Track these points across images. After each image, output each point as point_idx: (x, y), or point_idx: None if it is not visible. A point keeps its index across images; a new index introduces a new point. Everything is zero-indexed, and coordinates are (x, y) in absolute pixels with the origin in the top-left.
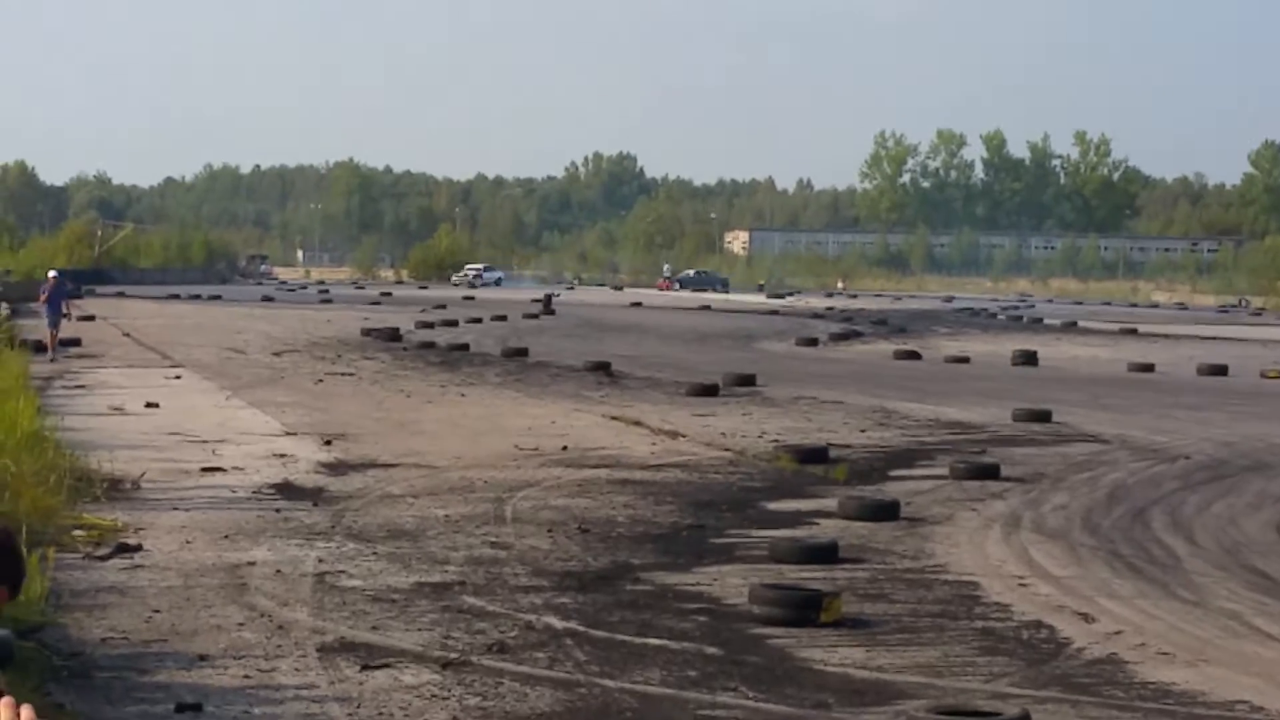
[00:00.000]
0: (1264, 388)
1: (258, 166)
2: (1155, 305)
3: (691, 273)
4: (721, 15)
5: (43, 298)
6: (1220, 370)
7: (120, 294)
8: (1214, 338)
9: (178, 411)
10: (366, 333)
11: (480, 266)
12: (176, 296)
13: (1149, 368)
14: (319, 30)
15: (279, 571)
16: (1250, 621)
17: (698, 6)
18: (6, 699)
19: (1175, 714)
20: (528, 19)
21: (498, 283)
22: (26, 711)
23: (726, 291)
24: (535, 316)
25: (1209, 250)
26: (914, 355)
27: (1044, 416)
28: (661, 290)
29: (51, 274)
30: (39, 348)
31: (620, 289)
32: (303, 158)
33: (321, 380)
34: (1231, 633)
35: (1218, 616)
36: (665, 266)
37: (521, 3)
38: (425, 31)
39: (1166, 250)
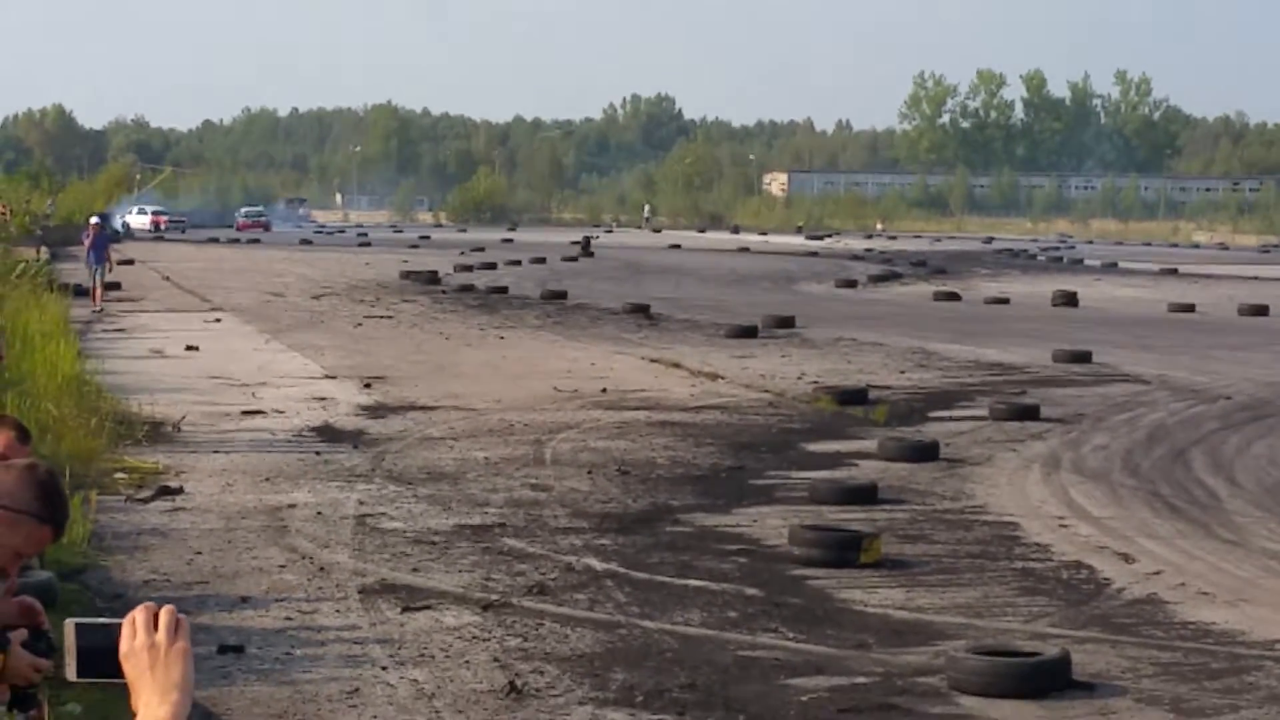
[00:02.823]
0: None
1: (295, 109)
2: (1196, 246)
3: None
4: None
5: (87, 242)
6: (1261, 310)
7: (159, 237)
8: (1255, 278)
9: (218, 355)
10: (405, 275)
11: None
12: (215, 240)
13: (1189, 308)
14: None
15: (319, 514)
16: None
17: None
18: (154, 607)
19: (1215, 653)
20: None
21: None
22: (166, 615)
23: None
24: (574, 259)
25: (1251, 190)
26: (954, 296)
27: (1084, 357)
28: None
29: (93, 219)
30: (79, 291)
31: (659, 231)
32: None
33: (360, 323)
34: (1272, 572)
35: (1258, 556)
36: (646, 207)
37: None
38: None
39: (1208, 190)
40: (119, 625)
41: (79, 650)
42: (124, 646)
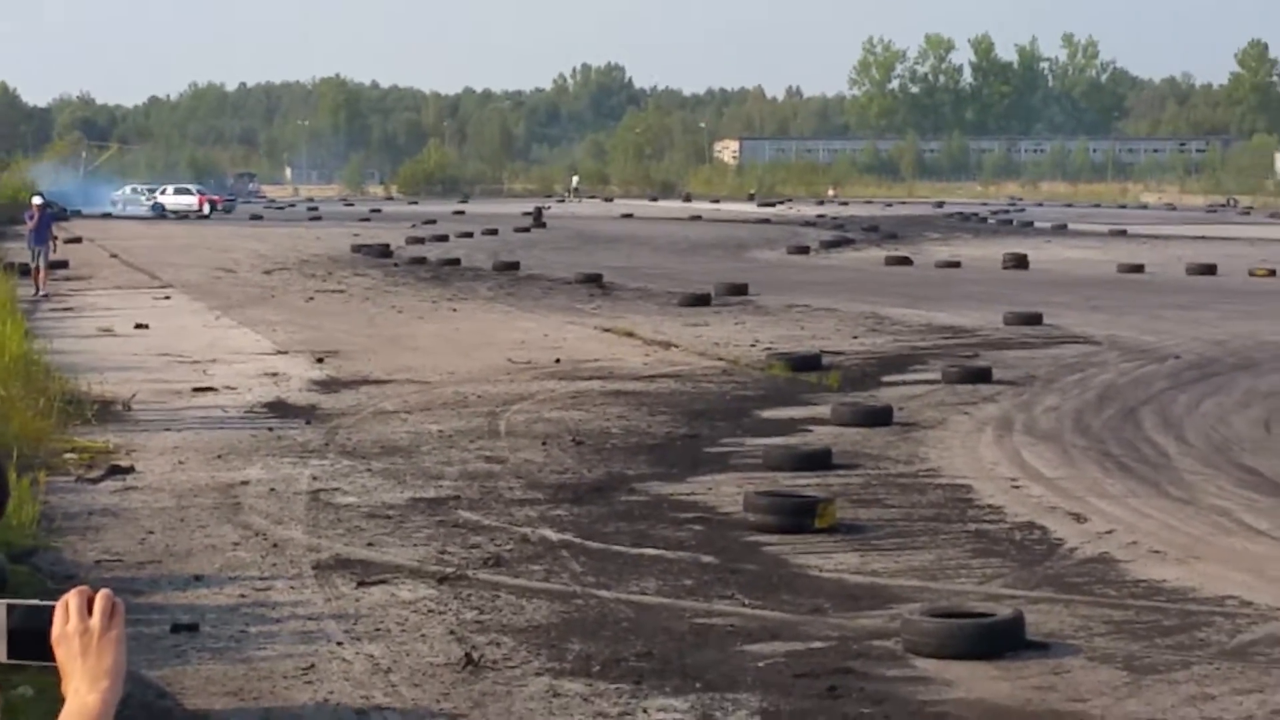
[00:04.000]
0: (1252, 286)
1: (243, 84)
2: (1144, 206)
3: None
4: None
5: (30, 224)
6: (1209, 270)
7: (107, 214)
8: (1202, 237)
9: (168, 332)
10: (357, 249)
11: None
12: (164, 217)
13: (1138, 268)
14: None
15: (273, 490)
16: (1239, 518)
17: None
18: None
19: (1167, 610)
20: None
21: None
22: (101, 600)
23: None
24: (526, 230)
25: (1197, 150)
26: (905, 261)
27: (1035, 319)
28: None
29: (36, 200)
30: (25, 271)
31: (610, 200)
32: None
33: (312, 298)
34: (1221, 529)
35: (1208, 513)
36: (574, 178)
37: None
38: None
39: (1155, 151)
40: (52, 608)
41: (9, 632)
42: (56, 630)
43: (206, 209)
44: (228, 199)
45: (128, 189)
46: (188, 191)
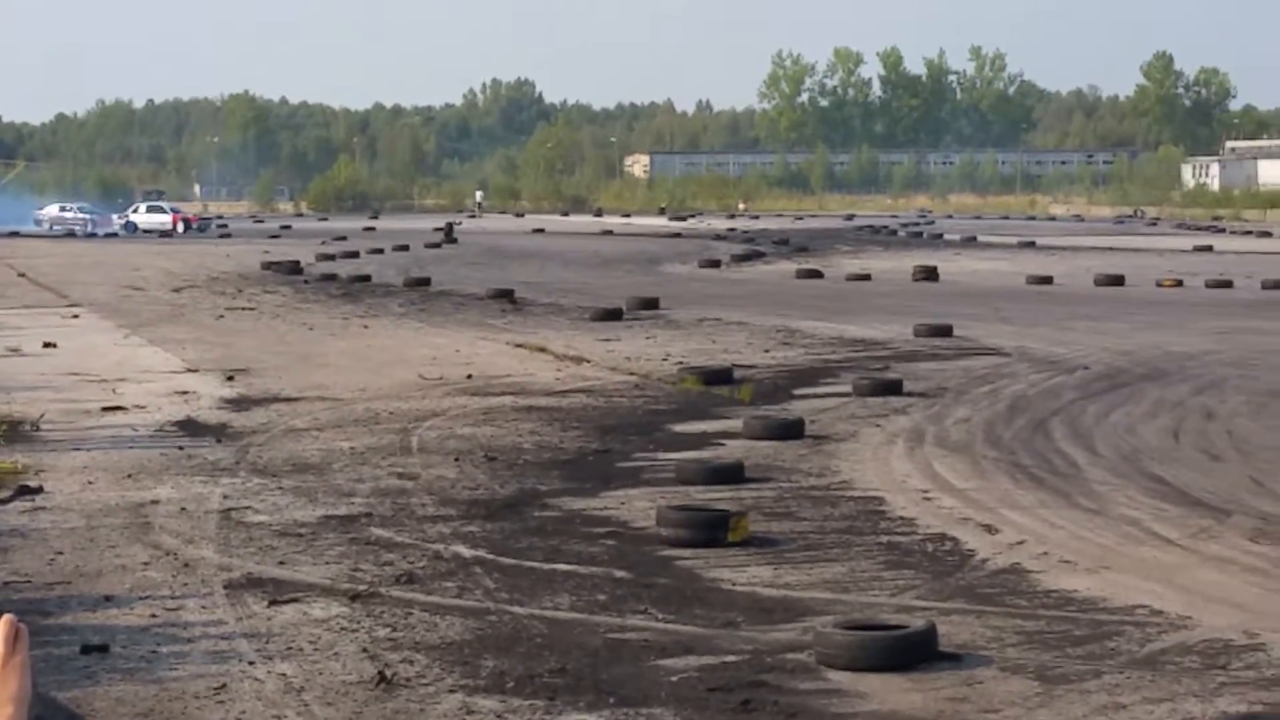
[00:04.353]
0: (1160, 296)
1: (151, 101)
2: (1053, 218)
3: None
4: None
5: None
6: (1117, 280)
7: (14, 233)
8: (1110, 249)
9: (76, 351)
10: (267, 266)
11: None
12: (73, 234)
13: (1047, 280)
14: None
15: (184, 509)
16: (1149, 527)
17: None
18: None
19: (1078, 620)
20: None
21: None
22: (4, 626)
23: None
24: (437, 245)
25: (1104, 162)
26: (816, 274)
27: (945, 331)
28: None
29: None
30: None
31: (521, 215)
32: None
33: (222, 316)
34: (1131, 539)
35: (1118, 523)
36: (478, 193)
37: None
38: None
39: (1063, 163)
40: None
41: None
42: None
43: (180, 228)
44: (203, 219)
45: (54, 207)
46: (160, 210)
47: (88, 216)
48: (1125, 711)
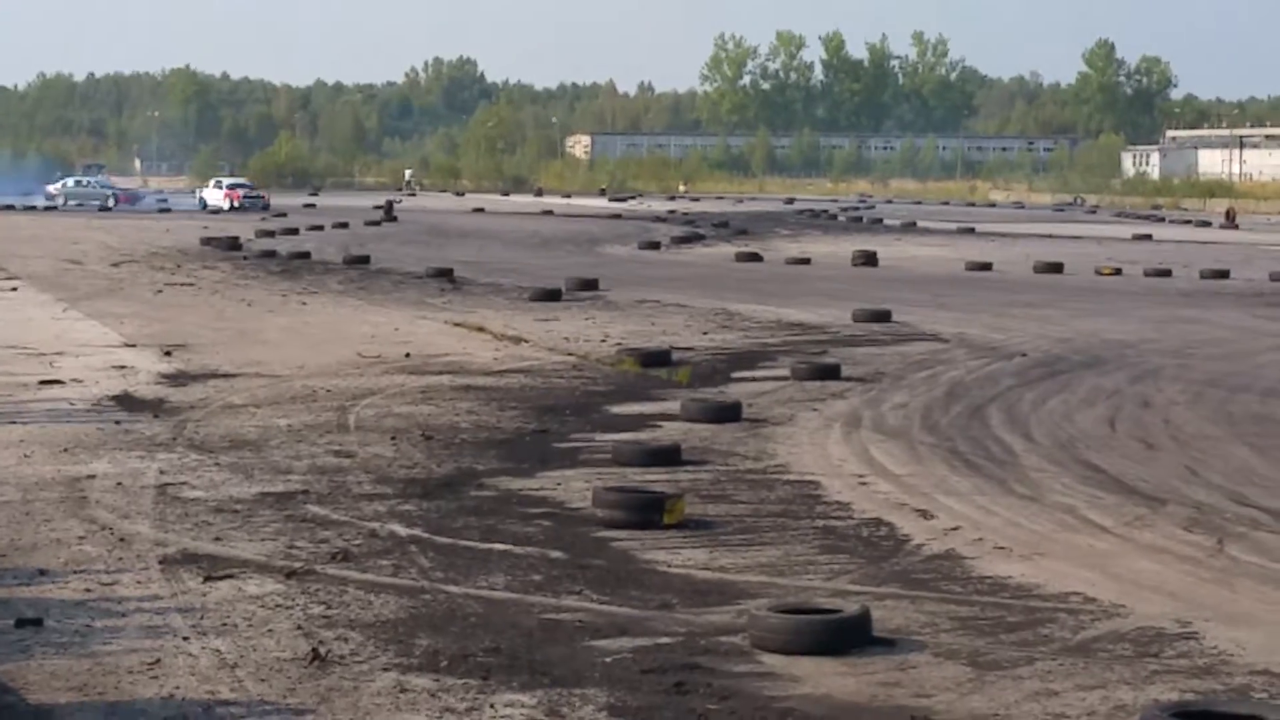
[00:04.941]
0: (1098, 284)
1: (92, 74)
2: (993, 204)
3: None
4: None
5: None
6: (1056, 268)
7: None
8: (1050, 235)
9: (13, 324)
10: (206, 242)
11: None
12: (11, 207)
13: (986, 266)
14: None
15: (120, 484)
16: (1084, 515)
17: None
18: None
19: (1011, 607)
20: None
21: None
22: None
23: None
24: (377, 223)
25: (1045, 149)
26: (755, 257)
27: (884, 316)
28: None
29: None
30: None
31: (462, 195)
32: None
33: (161, 291)
34: (1066, 526)
35: (1053, 510)
36: (407, 172)
37: None
38: None
39: (1003, 150)
40: None
41: None
42: None
43: (227, 205)
44: (253, 195)
45: (69, 180)
46: (219, 186)
47: (109, 191)
48: (1058, 699)
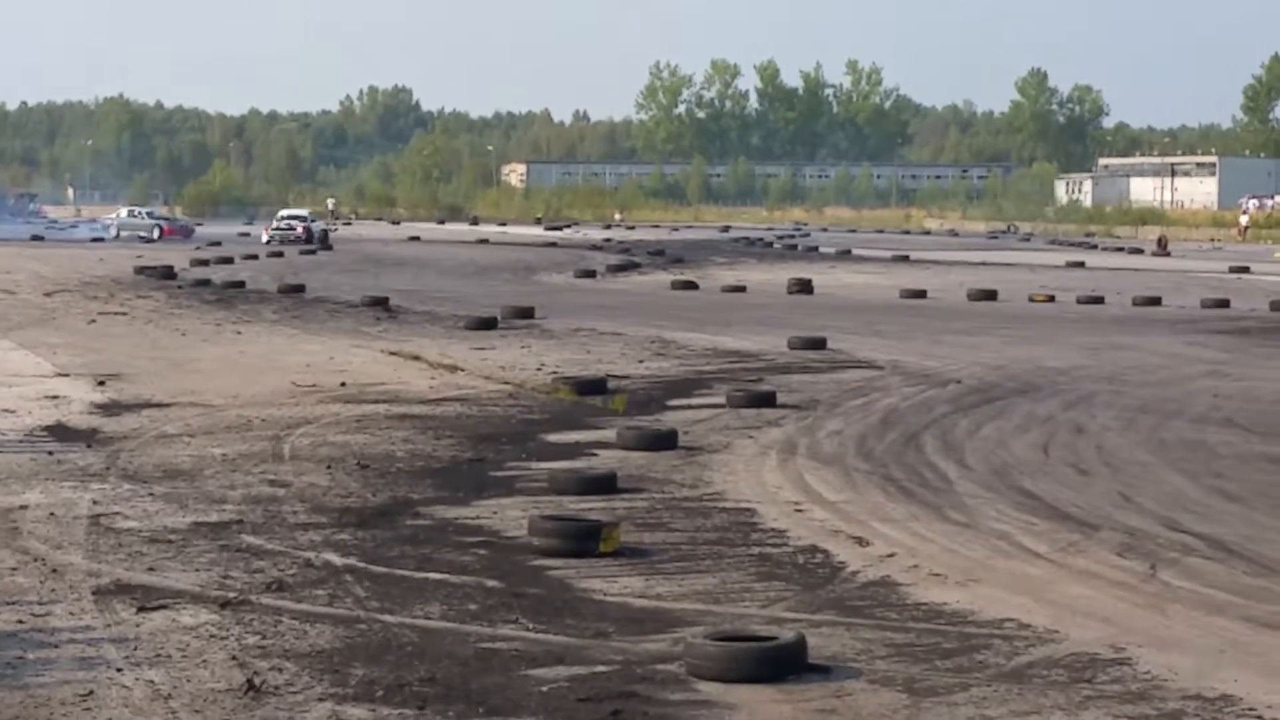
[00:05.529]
0: (1032, 311)
1: (24, 103)
2: (927, 232)
3: None
4: None
5: None
6: (990, 295)
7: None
8: (984, 263)
9: None
10: (140, 271)
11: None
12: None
13: (921, 294)
14: None
15: (52, 514)
16: (1018, 541)
17: None
18: None
19: (947, 634)
20: None
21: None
22: None
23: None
24: (312, 252)
25: (979, 177)
26: (691, 285)
27: (819, 344)
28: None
29: None
30: None
31: (397, 223)
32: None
33: (94, 320)
34: (1001, 553)
35: (988, 537)
36: (330, 201)
37: None
38: None
39: (937, 178)
40: None
41: None
42: None
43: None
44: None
45: (124, 212)
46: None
47: (154, 222)
48: None
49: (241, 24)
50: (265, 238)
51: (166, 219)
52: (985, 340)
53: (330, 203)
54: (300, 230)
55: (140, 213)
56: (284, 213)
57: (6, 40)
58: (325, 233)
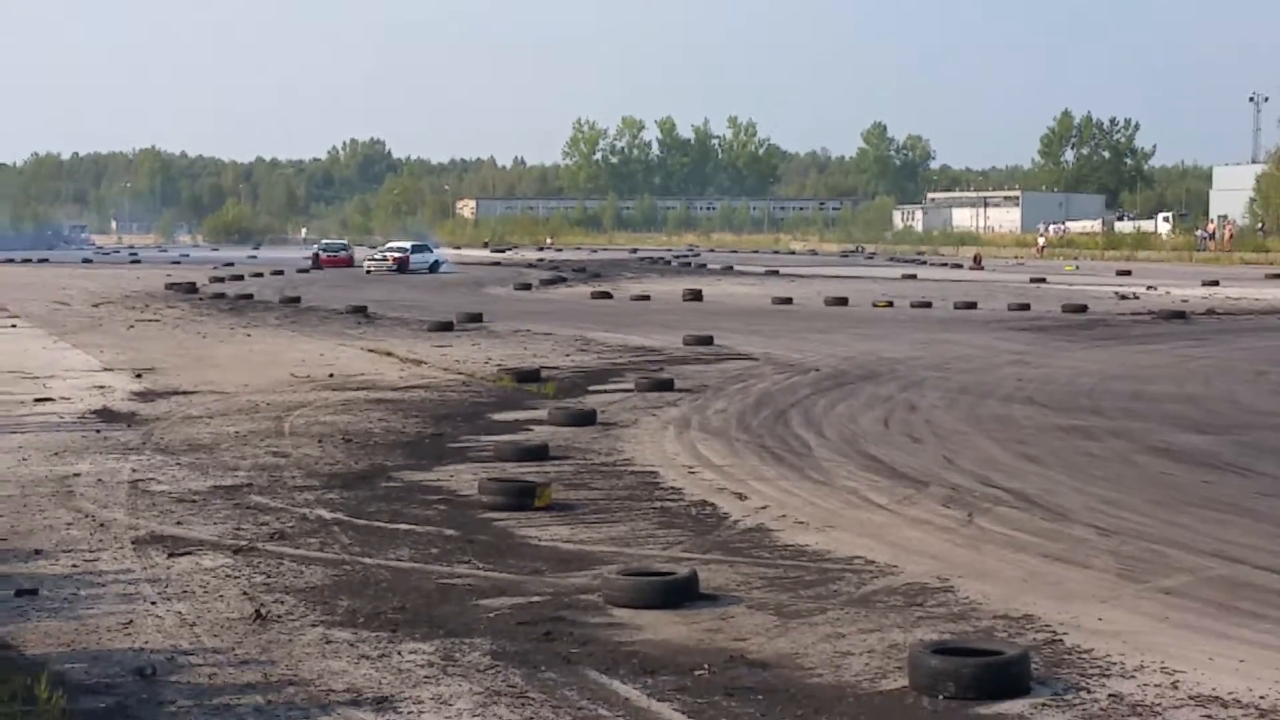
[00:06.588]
0: (875, 314)
1: (76, 153)
2: (793, 252)
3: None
4: (470, 23)
5: None
6: (842, 301)
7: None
8: (837, 276)
9: (12, 354)
10: (169, 287)
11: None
12: (11, 260)
13: (788, 301)
14: (115, 30)
15: (100, 480)
16: (865, 495)
17: (452, 10)
18: None
19: (808, 568)
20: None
21: None
22: None
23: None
24: (307, 271)
25: (833, 209)
26: (607, 295)
27: (708, 341)
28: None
29: None
30: None
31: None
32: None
33: (133, 326)
34: (851, 504)
35: (840, 492)
36: (303, 230)
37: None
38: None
39: (800, 209)
40: None
41: None
42: None
43: (396, 266)
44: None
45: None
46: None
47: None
48: (844, 640)
49: (251, 88)
50: (366, 268)
51: (329, 249)
52: (838, 337)
53: (303, 231)
54: (392, 261)
55: (322, 240)
56: (391, 244)
57: (63, 103)
58: (317, 255)
